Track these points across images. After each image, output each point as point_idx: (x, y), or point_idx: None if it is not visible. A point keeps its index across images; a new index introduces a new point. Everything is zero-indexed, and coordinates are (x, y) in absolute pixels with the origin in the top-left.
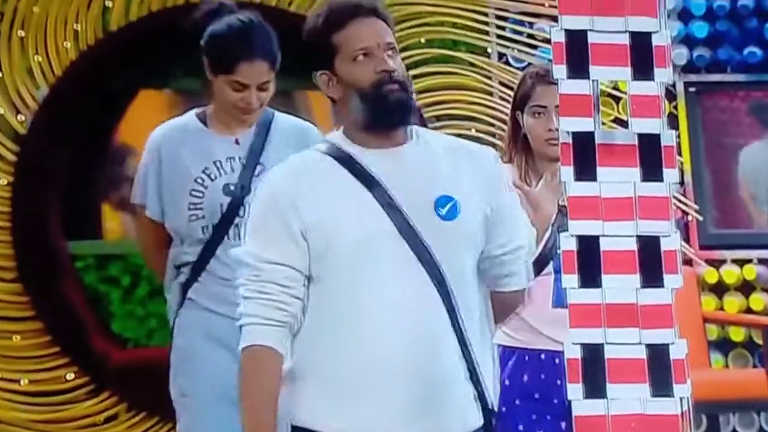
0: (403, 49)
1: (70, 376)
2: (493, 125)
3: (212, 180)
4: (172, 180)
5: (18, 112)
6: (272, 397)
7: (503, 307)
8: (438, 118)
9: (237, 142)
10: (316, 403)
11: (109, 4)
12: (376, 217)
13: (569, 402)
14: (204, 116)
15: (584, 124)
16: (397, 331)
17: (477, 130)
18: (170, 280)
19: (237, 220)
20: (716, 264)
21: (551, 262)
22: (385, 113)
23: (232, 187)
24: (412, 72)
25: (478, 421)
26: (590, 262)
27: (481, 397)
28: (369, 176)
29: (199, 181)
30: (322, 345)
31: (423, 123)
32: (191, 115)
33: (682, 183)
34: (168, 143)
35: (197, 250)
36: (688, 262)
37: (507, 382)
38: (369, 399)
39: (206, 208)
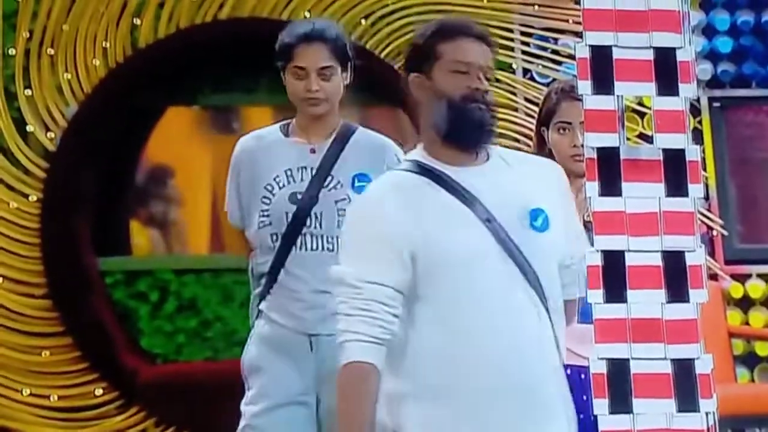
0: None
1: (99, 391)
2: (518, 141)
3: (280, 188)
4: (248, 188)
5: (48, 129)
6: (371, 412)
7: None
8: None
9: (313, 151)
10: (430, 420)
11: (138, 21)
12: (479, 233)
13: (595, 417)
14: (286, 127)
15: (609, 140)
16: (507, 346)
17: (502, 146)
18: (253, 290)
19: (304, 230)
20: (742, 279)
21: None
22: (467, 128)
23: (299, 196)
24: None
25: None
26: (615, 277)
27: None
28: (467, 193)
29: (268, 188)
30: (431, 362)
31: None
32: (276, 125)
33: (707, 198)
34: (245, 152)
35: (269, 260)
36: (713, 276)
37: None
38: (484, 414)
39: (273, 216)
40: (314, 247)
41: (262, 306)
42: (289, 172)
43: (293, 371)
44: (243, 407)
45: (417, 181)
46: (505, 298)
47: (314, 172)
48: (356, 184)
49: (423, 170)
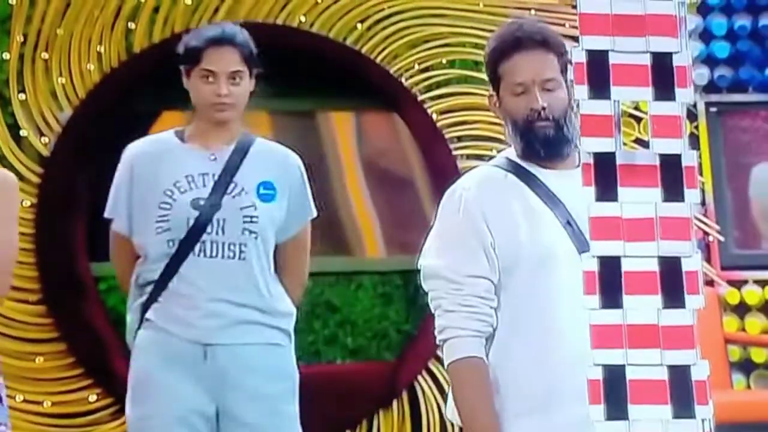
0: (424, 70)
1: (93, 397)
2: None
3: (181, 193)
4: (143, 193)
5: (42, 134)
6: (492, 402)
7: None
8: (460, 138)
9: (213, 157)
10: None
11: (133, 26)
12: (558, 234)
13: None
14: (182, 133)
15: (605, 145)
16: (577, 346)
17: (498, 151)
18: (133, 300)
19: (204, 236)
20: (738, 285)
21: None
22: (534, 147)
23: (201, 202)
24: (434, 93)
25: None
26: (611, 282)
27: None
28: (551, 194)
29: (168, 193)
30: (508, 359)
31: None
32: (170, 132)
33: (703, 203)
34: (142, 157)
35: (160, 268)
36: (709, 282)
37: None
38: (556, 413)
39: (173, 221)
40: (213, 253)
41: (150, 315)
42: (190, 178)
43: (188, 381)
44: (136, 422)
45: (505, 177)
46: (575, 300)
47: (216, 178)
48: (261, 191)
49: (513, 168)
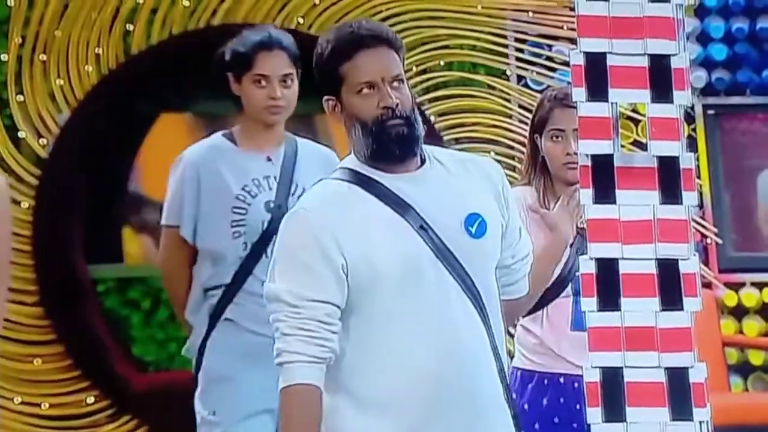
0: (422, 72)
1: (91, 399)
2: (512, 148)
3: (253, 197)
4: (212, 199)
5: (40, 135)
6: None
7: (508, 315)
8: (457, 140)
9: (269, 159)
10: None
11: (131, 28)
12: (413, 241)
13: (588, 426)
14: (232, 136)
15: (603, 147)
16: (445, 355)
17: (496, 153)
18: (197, 303)
19: (275, 238)
20: (735, 287)
21: (569, 285)
22: (387, 147)
23: (272, 205)
24: (432, 95)
25: None
26: (609, 285)
27: (515, 417)
28: (400, 201)
29: (241, 198)
30: (368, 376)
31: (440, 143)
32: (219, 135)
33: (701, 206)
34: (205, 162)
35: (232, 271)
36: (707, 285)
37: (526, 407)
38: (423, 426)
39: (248, 225)
40: None
41: (229, 315)
42: (256, 182)
43: (267, 380)
44: (209, 417)
45: (349, 190)
46: (440, 308)
47: (278, 179)
48: None
49: (356, 178)
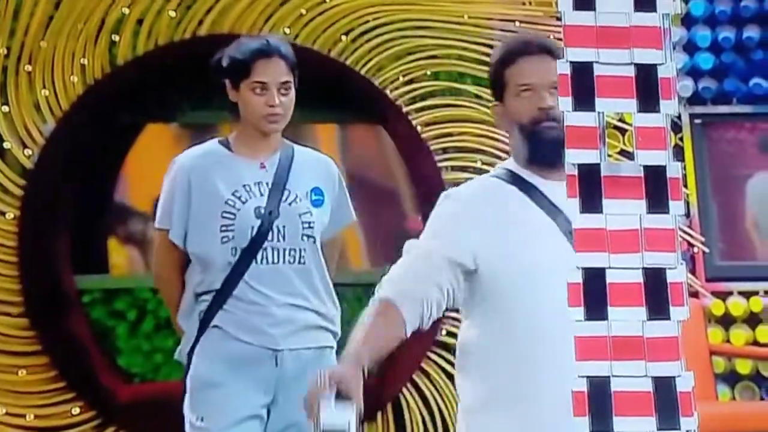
0: (408, 82)
1: (76, 410)
2: (499, 158)
3: (243, 203)
4: (202, 203)
5: (25, 146)
6: (373, 343)
7: None
8: (445, 150)
9: (263, 166)
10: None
11: (116, 38)
12: (560, 245)
13: None
14: (227, 143)
15: (590, 156)
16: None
17: (483, 163)
18: (188, 308)
19: (266, 244)
20: (723, 296)
21: None
22: (542, 150)
23: (262, 211)
24: (419, 104)
25: None
26: (596, 294)
27: None
28: (551, 205)
29: (230, 203)
30: (509, 374)
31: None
32: (214, 142)
33: (688, 215)
34: (197, 167)
35: (222, 276)
36: (694, 294)
37: None
38: (550, 424)
39: (237, 230)
40: (275, 260)
41: (217, 322)
42: (248, 187)
43: (255, 386)
44: (197, 423)
45: (503, 187)
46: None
47: (270, 186)
48: (313, 197)
49: (511, 178)
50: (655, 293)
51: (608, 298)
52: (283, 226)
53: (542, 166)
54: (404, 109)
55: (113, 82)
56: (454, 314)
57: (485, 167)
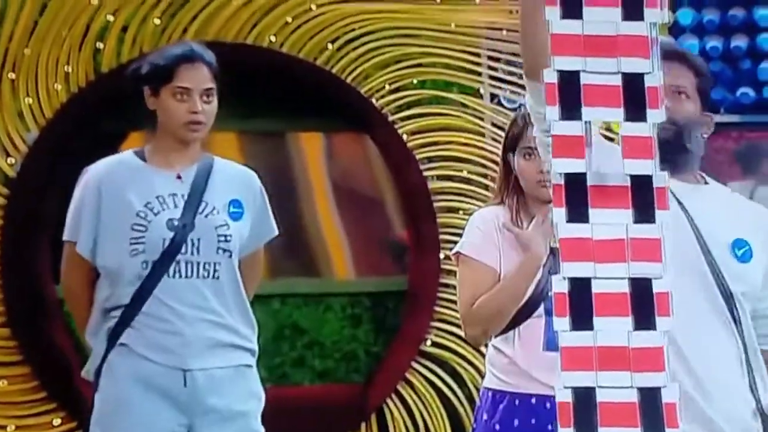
0: (395, 90)
1: (58, 421)
2: (485, 167)
3: (155, 214)
4: (112, 215)
5: (8, 155)
6: None
7: None
8: (430, 159)
9: (179, 177)
10: None
11: (101, 46)
12: (690, 251)
13: None
14: (142, 153)
15: (576, 166)
16: (708, 372)
17: (469, 172)
18: (96, 325)
19: (179, 257)
20: None
21: (542, 305)
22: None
23: (175, 223)
24: (405, 113)
25: None
26: (582, 304)
27: None
28: (682, 209)
29: (142, 215)
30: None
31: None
32: (129, 152)
33: None
34: (108, 178)
35: (131, 291)
36: None
37: (497, 427)
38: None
39: (148, 242)
40: (188, 274)
41: (124, 339)
42: (161, 199)
43: (165, 407)
44: None
45: None
46: (708, 322)
47: (186, 198)
48: (231, 210)
49: None
50: (641, 303)
51: (594, 308)
52: (198, 239)
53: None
54: (390, 118)
55: (97, 90)
56: (438, 324)
57: (471, 176)
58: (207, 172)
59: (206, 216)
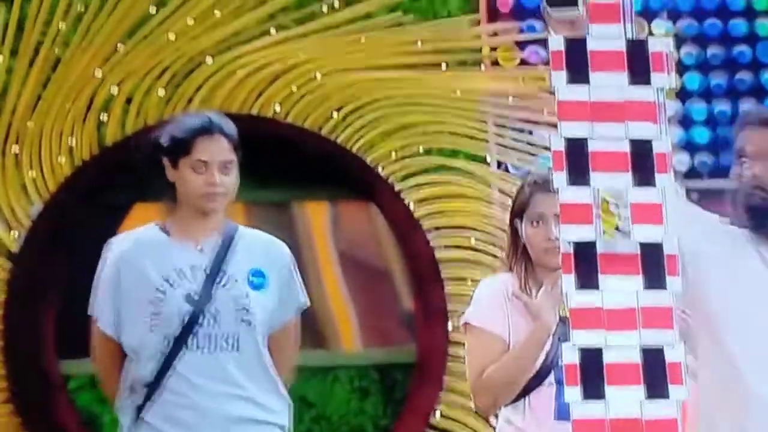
0: (401, 158)
1: None
2: (493, 234)
3: (173, 287)
4: (132, 290)
5: (11, 228)
6: None
7: None
8: (437, 228)
9: (200, 249)
10: None
11: (105, 118)
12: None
13: None
14: (165, 227)
15: (585, 233)
16: None
17: (477, 240)
18: (123, 400)
19: (196, 328)
20: None
21: (552, 373)
22: (746, 214)
23: (194, 296)
24: (411, 181)
25: None
26: (593, 374)
27: None
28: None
29: (160, 289)
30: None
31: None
32: (151, 225)
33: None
34: (128, 253)
35: (154, 367)
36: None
37: None
38: None
39: (166, 316)
40: (209, 347)
41: (147, 416)
42: (180, 272)
43: None
44: None
45: (737, 234)
46: None
47: (206, 270)
48: (252, 280)
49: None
50: (653, 372)
51: (606, 377)
52: (217, 311)
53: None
54: (396, 187)
55: (102, 162)
56: (447, 395)
57: (479, 244)
58: (229, 243)
59: (225, 287)
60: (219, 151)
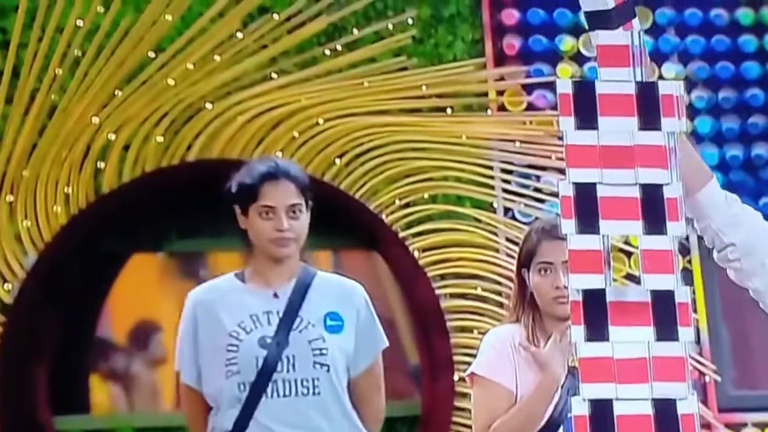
0: (405, 205)
1: None
2: (499, 283)
3: (247, 333)
4: (208, 339)
5: (5, 280)
6: None
7: None
8: (442, 276)
9: (276, 295)
10: None
11: (102, 165)
12: None
13: None
14: (242, 275)
15: (595, 281)
16: None
17: (483, 289)
18: None
19: (275, 375)
20: (736, 428)
21: (561, 427)
22: None
23: (268, 340)
24: (416, 229)
25: None
26: (604, 427)
27: None
28: None
29: (234, 335)
30: None
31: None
32: (230, 275)
33: (698, 341)
34: (204, 303)
35: (233, 414)
36: (706, 425)
37: None
38: None
39: (241, 363)
40: (286, 392)
41: None
42: (254, 317)
43: None
44: None
45: None
46: None
47: (281, 315)
48: (328, 323)
49: None
50: (666, 425)
51: (617, 430)
52: (293, 356)
53: None
54: (400, 234)
55: (98, 211)
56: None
57: (485, 294)
58: (305, 288)
59: (300, 331)
60: (285, 195)
